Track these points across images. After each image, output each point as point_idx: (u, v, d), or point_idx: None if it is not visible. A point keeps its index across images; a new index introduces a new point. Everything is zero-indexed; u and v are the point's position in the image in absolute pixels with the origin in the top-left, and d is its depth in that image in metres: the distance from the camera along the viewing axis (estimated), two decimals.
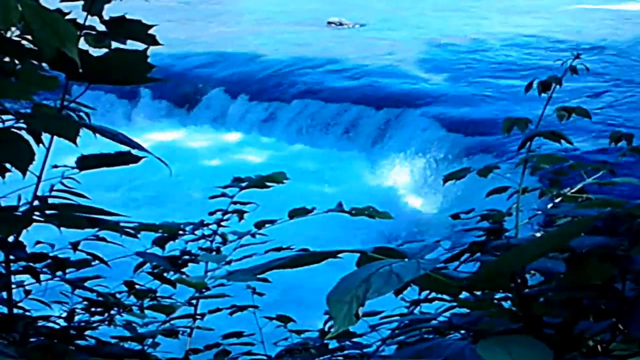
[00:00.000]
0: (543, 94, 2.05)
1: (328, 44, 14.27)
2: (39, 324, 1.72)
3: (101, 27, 1.37)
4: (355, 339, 1.90)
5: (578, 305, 0.97)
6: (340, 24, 16.83)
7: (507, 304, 1.08)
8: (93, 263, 1.85)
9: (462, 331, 1.24)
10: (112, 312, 1.91)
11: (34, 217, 1.31)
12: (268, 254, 1.98)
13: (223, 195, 2.12)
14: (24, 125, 1.21)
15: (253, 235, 2.08)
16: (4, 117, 1.25)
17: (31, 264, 1.71)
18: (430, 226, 7.69)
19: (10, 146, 1.16)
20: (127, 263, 1.97)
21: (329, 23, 16.95)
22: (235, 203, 2.13)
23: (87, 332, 1.80)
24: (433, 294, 1.65)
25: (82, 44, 1.21)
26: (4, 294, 1.53)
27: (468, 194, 7.40)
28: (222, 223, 2.16)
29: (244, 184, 2.04)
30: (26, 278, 1.77)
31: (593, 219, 0.96)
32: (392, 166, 9.12)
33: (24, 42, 1.22)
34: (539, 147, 2.08)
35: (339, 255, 0.89)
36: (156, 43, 1.37)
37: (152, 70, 1.28)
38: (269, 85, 11.77)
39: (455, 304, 1.27)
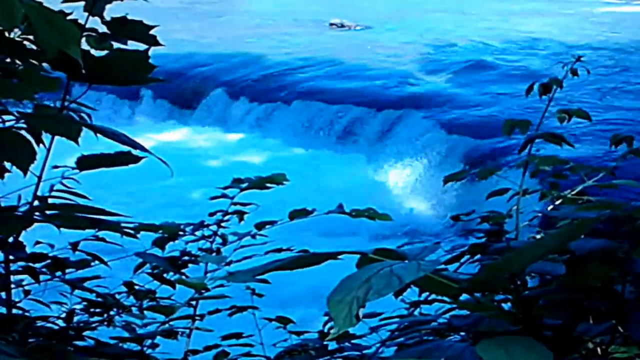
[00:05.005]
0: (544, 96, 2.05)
1: (329, 46, 14.27)
2: (38, 325, 1.72)
3: (102, 28, 1.37)
4: (354, 341, 1.89)
5: (578, 307, 0.97)
6: (342, 26, 16.84)
7: (507, 306, 1.08)
8: (92, 263, 1.85)
9: (462, 333, 1.24)
10: (112, 312, 1.91)
11: (34, 217, 1.31)
12: (268, 255, 1.97)
13: (223, 196, 2.12)
14: (24, 125, 1.21)
15: (253, 236, 2.08)
16: (6, 117, 1.25)
17: (30, 264, 1.70)
18: (431, 228, 7.69)
19: (12, 146, 1.16)
20: (126, 264, 1.97)
21: (331, 24, 16.96)
22: (235, 204, 2.13)
23: (86, 333, 1.80)
24: (433, 296, 1.65)
25: (83, 45, 1.21)
26: (4, 294, 1.53)
27: (468, 196, 7.40)
28: (222, 224, 2.15)
29: (243, 185, 2.04)
30: (25, 278, 1.77)
31: (593, 221, 0.96)
32: (392, 168, 9.12)
33: (25, 42, 1.23)
34: (537, 150, 2.08)
35: (339, 256, 0.89)
36: (157, 43, 1.37)
37: (153, 70, 1.29)
38: (270, 86, 11.77)
39: (455, 305, 1.27)
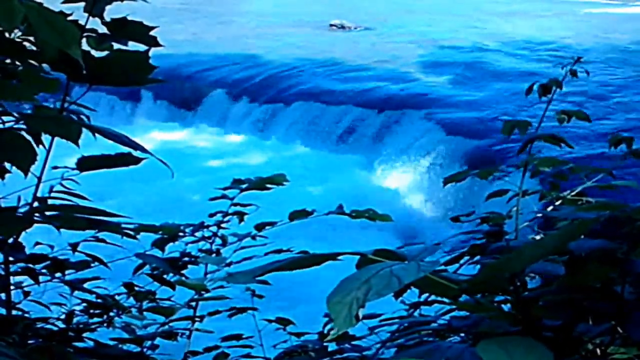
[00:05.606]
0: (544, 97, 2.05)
1: (329, 47, 14.28)
2: (38, 326, 1.72)
3: (103, 29, 1.37)
4: (354, 342, 1.89)
5: (577, 308, 0.97)
6: (342, 27, 16.85)
7: (506, 307, 1.08)
8: (92, 264, 1.85)
9: (462, 334, 1.24)
10: (111, 314, 1.90)
11: (34, 218, 1.31)
12: (268, 256, 1.97)
13: (223, 197, 2.12)
14: (24, 126, 1.21)
15: (253, 237, 2.08)
16: (6, 118, 1.25)
17: (30, 265, 1.70)
18: (431, 228, 7.69)
19: (12, 146, 1.16)
20: (126, 265, 1.97)
21: (331, 26, 16.97)
22: (235, 205, 2.13)
23: (86, 334, 1.80)
24: (433, 297, 1.65)
25: (83, 45, 1.21)
26: (3, 296, 1.53)
27: (468, 197, 7.40)
28: (222, 225, 2.15)
29: (244, 186, 2.04)
30: (25, 279, 1.76)
31: (592, 222, 0.96)
32: (392, 169, 9.13)
33: (25, 43, 1.23)
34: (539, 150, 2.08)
35: (339, 257, 0.89)
36: (157, 44, 1.37)
37: (153, 71, 1.29)
38: (270, 87, 11.78)
39: (454, 306, 1.26)
